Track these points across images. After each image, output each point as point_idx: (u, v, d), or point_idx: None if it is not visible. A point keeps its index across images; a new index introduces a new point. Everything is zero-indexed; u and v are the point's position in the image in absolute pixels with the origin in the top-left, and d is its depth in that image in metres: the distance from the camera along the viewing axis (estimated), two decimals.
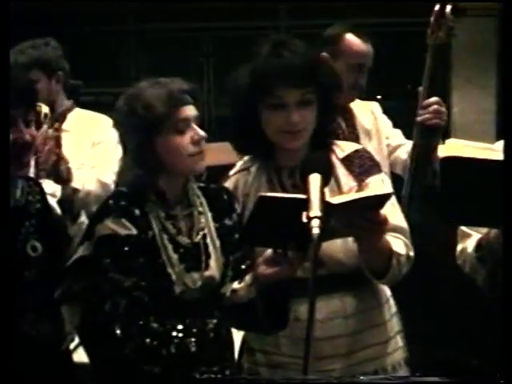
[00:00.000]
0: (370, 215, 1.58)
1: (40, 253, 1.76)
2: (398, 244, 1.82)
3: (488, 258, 1.80)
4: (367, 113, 2.81)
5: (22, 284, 1.74)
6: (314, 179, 1.47)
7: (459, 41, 6.22)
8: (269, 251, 1.64)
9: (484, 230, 1.83)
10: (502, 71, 1.70)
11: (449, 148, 1.53)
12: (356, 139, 2.66)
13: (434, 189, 2.11)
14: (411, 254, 1.85)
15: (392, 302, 2.00)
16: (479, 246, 1.86)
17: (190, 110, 1.74)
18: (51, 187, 1.89)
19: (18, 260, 1.74)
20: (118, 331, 1.64)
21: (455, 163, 1.48)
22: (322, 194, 1.44)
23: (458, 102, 6.38)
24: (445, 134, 5.90)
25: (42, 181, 1.91)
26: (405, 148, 2.76)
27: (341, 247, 1.82)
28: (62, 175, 2.51)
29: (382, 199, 1.58)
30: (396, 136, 2.86)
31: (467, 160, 1.47)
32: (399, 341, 1.98)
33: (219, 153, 2.25)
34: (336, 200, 1.48)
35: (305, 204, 1.43)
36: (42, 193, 1.85)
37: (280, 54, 1.82)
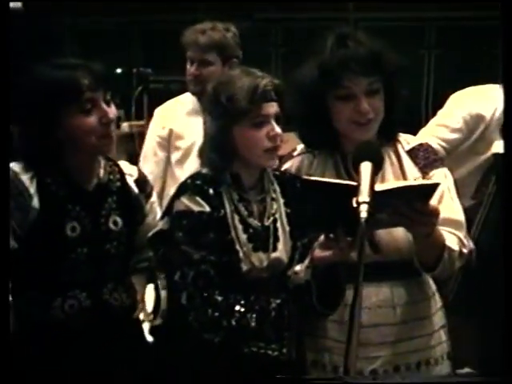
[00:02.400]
0: (418, 206, 1.60)
1: (120, 227, 1.92)
2: (452, 239, 1.84)
3: None
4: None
5: (103, 256, 1.89)
6: (365, 167, 1.49)
7: None
8: (322, 236, 1.70)
9: None
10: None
11: None
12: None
13: None
14: (464, 250, 1.86)
15: (438, 296, 2.02)
16: None
17: (272, 107, 1.80)
18: (128, 168, 2.00)
19: (102, 234, 1.90)
20: (184, 300, 1.73)
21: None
22: (373, 181, 1.46)
23: None
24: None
25: (119, 162, 2.02)
26: None
27: (402, 236, 1.84)
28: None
29: (428, 189, 1.60)
30: None
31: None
32: (443, 335, 2.01)
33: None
34: (380, 187, 1.51)
35: (349, 190, 1.47)
36: (122, 172, 1.99)
37: (345, 44, 1.86)
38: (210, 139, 1.85)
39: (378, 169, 1.51)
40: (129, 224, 1.95)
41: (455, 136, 2.43)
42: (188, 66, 2.89)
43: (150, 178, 2.88)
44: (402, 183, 1.71)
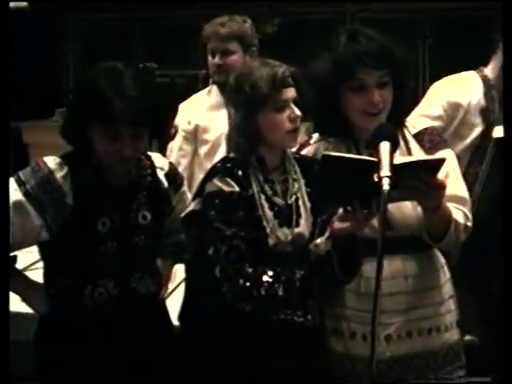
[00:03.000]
0: (427, 178, 1.75)
1: (149, 221, 2.04)
2: (458, 213, 2.00)
3: None
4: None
5: (132, 249, 2.02)
6: (384, 145, 1.64)
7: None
8: (341, 209, 1.86)
9: None
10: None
11: None
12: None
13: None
14: (469, 224, 2.02)
15: (446, 268, 2.18)
16: None
17: (290, 92, 1.97)
18: (160, 161, 2.13)
19: (131, 228, 2.02)
20: (218, 273, 1.89)
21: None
22: (392, 158, 1.61)
23: None
24: None
25: (151, 153, 2.12)
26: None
27: (410, 213, 2.01)
28: None
29: (435, 164, 1.75)
30: None
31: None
32: (452, 304, 2.15)
33: None
34: (398, 161, 1.66)
35: (366, 166, 1.63)
36: (153, 166, 2.10)
37: (357, 40, 2.02)
38: (237, 126, 2.01)
39: (394, 148, 1.67)
40: (157, 217, 2.06)
41: (436, 123, 2.60)
42: (210, 58, 3.02)
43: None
44: (411, 158, 1.87)
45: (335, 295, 2.07)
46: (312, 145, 2.17)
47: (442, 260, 2.17)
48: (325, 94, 2.02)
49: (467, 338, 2.41)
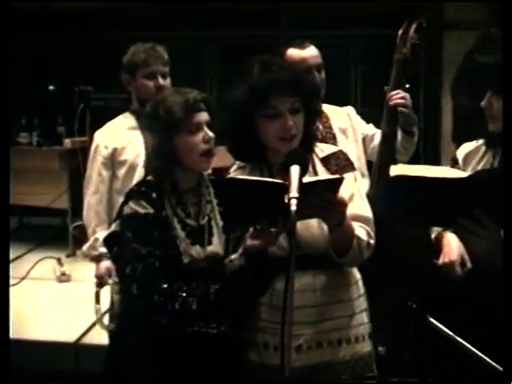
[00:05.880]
0: (329, 196, 1.88)
1: None
2: (361, 231, 2.11)
3: None
4: (343, 115, 3.17)
5: None
6: (294, 169, 1.77)
7: (451, 52, 6.58)
8: (251, 228, 1.98)
9: None
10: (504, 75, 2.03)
11: (398, 169, 1.93)
12: (333, 138, 3.02)
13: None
14: (371, 241, 2.11)
15: (361, 284, 2.27)
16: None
17: (203, 116, 2.13)
18: None
19: None
20: (135, 289, 2.01)
21: (404, 180, 1.86)
22: (300, 181, 1.74)
23: (448, 111, 6.68)
24: (435, 141, 6.28)
25: None
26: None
27: (317, 232, 2.12)
28: None
29: (335, 183, 1.88)
30: (370, 127, 3.24)
31: (412, 177, 1.86)
32: (365, 317, 2.24)
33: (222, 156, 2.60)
34: (303, 180, 1.79)
35: (270, 187, 1.77)
36: None
37: (270, 69, 2.09)
38: (155, 149, 2.15)
39: (304, 171, 1.80)
40: None
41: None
42: (147, 81, 3.09)
43: (95, 196, 3.14)
44: (314, 178, 2.00)
45: (251, 308, 2.18)
46: (231, 173, 2.27)
47: (358, 275, 2.26)
48: (240, 120, 2.10)
49: (380, 348, 2.53)
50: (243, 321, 2.17)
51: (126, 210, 2.09)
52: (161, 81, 3.09)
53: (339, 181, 1.88)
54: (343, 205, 1.95)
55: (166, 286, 2.01)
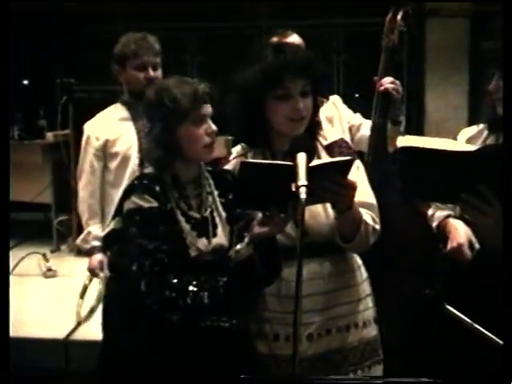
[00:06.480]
0: (338, 179, 1.88)
1: None
2: (367, 217, 2.12)
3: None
4: (329, 104, 3.13)
5: None
6: (301, 157, 1.75)
7: (433, 40, 6.59)
8: (260, 214, 1.95)
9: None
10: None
11: (406, 140, 1.89)
12: (318, 125, 2.97)
13: (392, 172, 2.46)
14: (377, 227, 2.14)
15: (363, 269, 2.28)
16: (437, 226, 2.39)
17: (208, 108, 2.08)
18: None
19: None
20: (143, 287, 1.94)
21: (410, 152, 1.82)
22: (309, 166, 1.73)
23: (431, 99, 6.69)
24: (419, 129, 6.29)
25: None
26: (367, 125, 3.09)
27: (324, 221, 2.13)
28: None
29: (345, 165, 1.88)
30: (357, 117, 3.22)
31: (420, 149, 1.81)
32: (369, 302, 2.27)
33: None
34: (311, 163, 1.78)
35: (282, 171, 1.75)
36: None
37: (284, 51, 2.13)
38: (156, 138, 2.07)
39: (310, 158, 1.78)
40: None
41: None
42: (137, 73, 3.04)
43: (87, 189, 3.09)
44: (323, 160, 1.98)
45: (258, 299, 2.16)
46: (232, 161, 2.26)
47: (359, 261, 2.28)
48: (251, 102, 2.10)
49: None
50: (250, 312, 2.14)
51: (129, 205, 2.02)
52: (151, 72, 3.04)
53: (350, 162, 1.87)
54: (353, 188, 1.94)
55: (175, 281, 1.95)
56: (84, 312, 4.11)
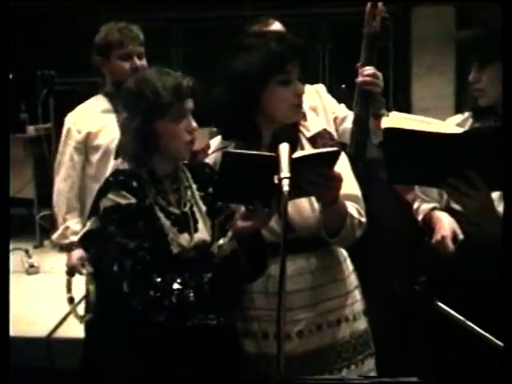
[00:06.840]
0: (324, 170, 1.81)
1: None
2: (353, 209, 2.06)
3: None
4: (312, 93, 3.04)
5: None
6: (284, 147, 1.68)
7: (419, 29, 6.55)
8: (243, 208, 1.88)
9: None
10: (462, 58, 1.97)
11: (391, 120, 1.81)
12: (303, 116, 2.91)
13: (375, 164, 2.40)
14: (363, 220, 2.08)
15: (349, 261, 2.23)
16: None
17: (189, 103, 1.98)
18: None
19: None
20: (126, 287, 1.85)
21: (395, 133, 1.74)
22: (290, 159, 1.65)
23: (418, 88, 6.66)
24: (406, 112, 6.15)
25: None
26: (351, 117, 2.99)
27: (309, 215, 2.07)
28: None
29: (331, 156, 1.81)
30: (342, 108, 3.13)
31: (406, 131, 1.73)
32: (357, 294, 2.22)
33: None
34: (295, 155, 1.71)
35: (265, 163, 1.67)
36: None
37: (285, 37, 2.10)
38: (134, 131, 1.96)
39: (293, 149, 1.71)
40: None
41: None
42: (122, 62, 2.96)
43: (66, 183, 3.02)
44: (308, 152, 1.91)
45: (245, 297, 2.10)
46: (211, 155, 2.18)
47: (345, 253, 2.23)
48: (248, 91, 2.01)
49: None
50: (237, 311, 2.08)
51: (106, 203, 1.92)
52: (137, 61, 2.96)
53: (336, 154, 1.81)
54: (339, 180, 1.88)
55: (159, 280, 1.87)
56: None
